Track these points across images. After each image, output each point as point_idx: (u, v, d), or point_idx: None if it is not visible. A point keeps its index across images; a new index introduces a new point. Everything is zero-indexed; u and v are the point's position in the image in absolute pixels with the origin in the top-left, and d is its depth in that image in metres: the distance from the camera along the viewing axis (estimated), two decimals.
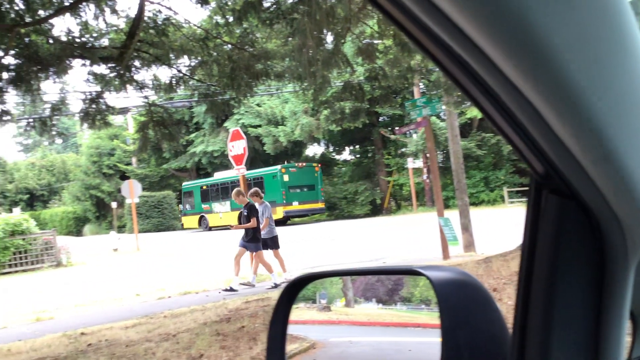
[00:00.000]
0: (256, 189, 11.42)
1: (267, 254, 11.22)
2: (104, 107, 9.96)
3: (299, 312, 1.25)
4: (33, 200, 60.61)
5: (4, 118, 9.45)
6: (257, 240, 10.89)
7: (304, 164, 31.83)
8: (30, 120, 10.15)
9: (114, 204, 44.57)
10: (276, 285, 10.73)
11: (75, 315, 10.04)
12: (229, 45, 9.59)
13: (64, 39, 8.93)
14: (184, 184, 38.59)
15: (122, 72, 9.23)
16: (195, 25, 9.95)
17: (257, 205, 11.03)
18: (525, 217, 0.70)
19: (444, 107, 12.85)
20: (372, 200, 34.62)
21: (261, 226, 10.97)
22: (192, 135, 39.60)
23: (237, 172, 12.68)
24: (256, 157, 37.51)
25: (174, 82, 10.07)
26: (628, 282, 0.68)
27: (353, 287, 1.33)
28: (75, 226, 50.97)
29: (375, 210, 34.72)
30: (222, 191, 32.11)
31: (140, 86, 10.07)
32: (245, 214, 10.90)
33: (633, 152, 0.56)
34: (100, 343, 6.82)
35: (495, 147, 31.48)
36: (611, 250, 0.66)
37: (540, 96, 0.52)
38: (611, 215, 0.63)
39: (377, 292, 1.29)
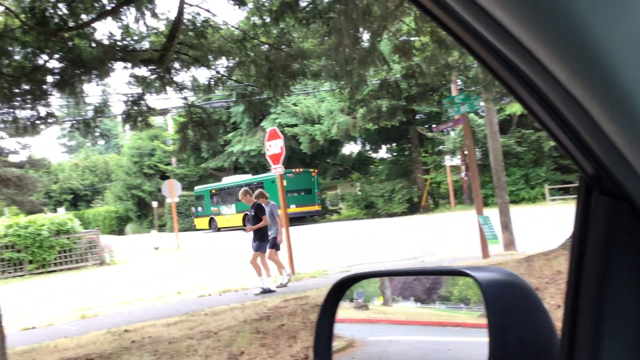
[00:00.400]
0: (261, 190, 11.50)
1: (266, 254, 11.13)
2: (145, 108, 10.15)
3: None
4: (77, 200, 62.17)
5: (49, 120, 9.72)
6: (260, 240, 10.83)
7: (301, 170, 33.56)
8: (75, 122, 10.41)
9: (154, 204, 45.38)
10: (266, 291, 10.49)
11: (119, 313, 10.27)
12: (266, 46, 9.66)
13: (106, 42, 9.13)
14: (195, 188, 40.26)
15: (162, 74, 9.39)
16: (233, 26, 10.05)
17: (264, 205, 11.00)
18: (574, 218, 0.69)
19: (482, 103, 12.69)
20: (409, 198, 34.39)
21: (279, 226, 11.06)
22: (230, 135, 39.98)
23: (274, 171, 12.75)
24: (293, 156, 37.65)
25: (212, 83, 10.19)
26: None
27: (391, 286, 1.33)
28: (118, 225, 52.09)
29: (413, 208, 34.48)
30: (229, 195, 34.00)
31: (180, 87, 10.23)
32: (252, 214, 10.90)
33: None
34: (144, 340, 6.96)
35: (536, 144, 30.89)
36: None
37: (593, 98, 0.52)
38: None
39: (415, 291, 1.29)
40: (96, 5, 8.66)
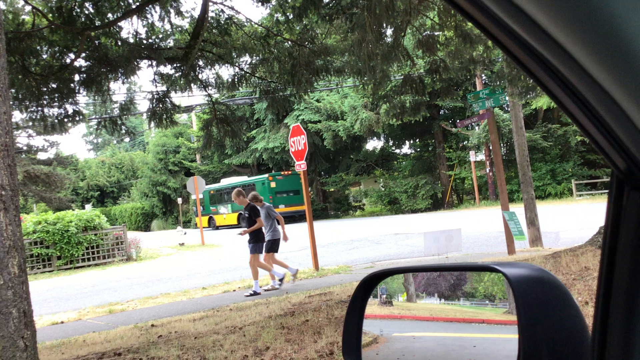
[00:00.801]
0: (254, 192, 11.30)
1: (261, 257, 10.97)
2: (169, 106, 10.26)
3: None
4: (103, 196, 63.08)
5: (77, 118, 9.88)
6: (256, 242, 10.67)
7: (290, 172, 35.11)
8: (101, 120, 10.56)
9: (179, 200, 45.92)
10: (255, 294, 10.34)
11: (146, 308, 10.40)
12: (289, 42, 9.68)
13: (131, 41, 9.24)
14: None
15: (186, 71, 9.47)
16: (256, 23, 10.09)
17: (258, 207, 10.87)
18: (605, 214, 0.68)
19: (507, 98, 12.55)
20: (433, 194, 34.20)
21: (282, 227, 10.92)
22: (254, 131, 40.16)
23: (299, 167, 12.79)
24: (316, 152, 37.70)
25: (236, 80, 10.26)
26: None
27: (415, 282, 1.34)
28: (143, 221, 52.71)
29: (437, 204, 34.29)
30: (226, 195, 35.81)
31: (204, 85, 10.31)
32: (247, 215, 10.74)
33: None
34: (170, 335, 7.04)
35: (563, 139, 30.48)
36: None
37: (626, 93, 0.52)
38: None
39: (439, 287, 1.29)
40: (122, 4, 8.77)
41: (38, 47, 8.81)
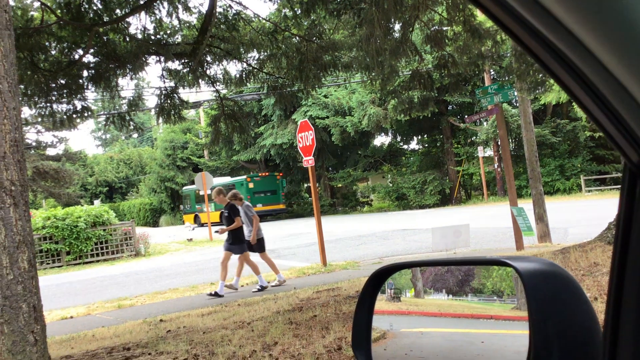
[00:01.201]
0: (234, 191, 11.07)
1: (253, 256, 10.89)
2: (177, 101, 10.28)
3: None
4: (112, 192, 63.34)
5: (85, 114, 9.93)
6: (240, 242, 10.51)
7: (267, 174, 37.73)
8: (109, 115, 10.60)
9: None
10: (263, 288, 10.38)
11: (154, 303, 10.45)
12: (297, 38, 9.67)
13: (139, 36, 9.26)
14: (183, 188, 44.26)
15: (194, 67, 9.48)
16: (264, 19, 10.09)
17: (238, 207, 10.67)
18: (618, 207, 0.67)
19: (516, 93, 12.49)
20: (441, 190, 34.14)
21: (253, 227, 10.65)
22: (261, 127, 40.17)
23: (307, 163, 12.78)
24: (324, 148, 37.68)
25: (244, 75, 10.26)
26: None
27: (422, 278, 1.33)
28: (152, 217, 52.88)
29: (445, 200, 34.23)
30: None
31: (212, 81, 10.32)
32: (226, 214, 10.55)
33: None
34: (179, 330, 7.08)
35: (571, 134, 30.32)
36: None
37: None
38: None
39: (447, 283, 1.29)
40: (130, 0, 8.79)
41: (47, 43, 8.85)
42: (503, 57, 12.29)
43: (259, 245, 10.85)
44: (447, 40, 9.84)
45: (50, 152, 34.08)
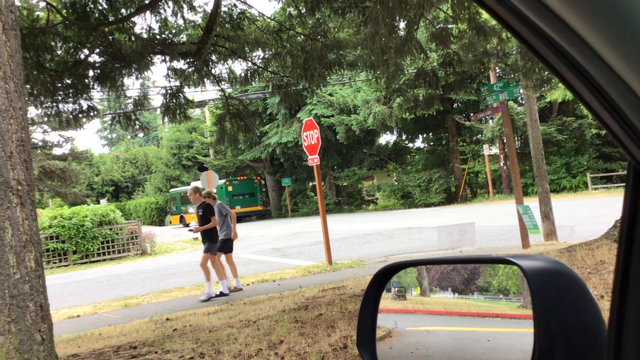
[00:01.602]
0: (209, 190, 10.97)
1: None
2: (183, 101, 10.29)
3: None
4: (118, 191, 63.51)
5: (91, 113, 9.96)
6: (212, 241, 10.32)
7: (245, 177, 40.20)
8: (115, 115, 10.62)
9: None
10: (222, 294, 10.06)
11: (160, 302, 10.48)
12: (302, 36, 9.67)
13: (145, 36, 9.28)
14: (170, 190, 46.74)
15: (199, 66, 9.50)
16: (268, 17, 10.09)
17: (212, 205, 10.51)
18: (622, 205, 0.66)
19: (522, 91, 12.45)
20: (447, 188, 34.08)
21: (232, 223, 10.50)
22: (267, 126, 40.18)
23: (312, 161, 12.78)
24: (329, 146, 37.65)
25: (249, 74, 10.26)
26: None
27: (428, 276, 1.33)
28: (158, 216, 52.99)
29: (450, 198, 34.16)
30: None
31: (217, 80, 10.33)
32: (201, 213, 10.38)
33: None
34: (185, 328, 7.09)
35: (578, 132, 30.20)
36: None
37: None
38: None
39: (452, 282, 1.29)
40: None
41: (52, 43, 8.88)
42: (509, 55, 12.24)
43: (227, 245, 10.66)
44: (452, 38, 9.82)
45: (57, 151, 34.21)
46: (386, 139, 43.03)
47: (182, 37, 9.91)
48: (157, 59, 9.53)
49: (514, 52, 11.54)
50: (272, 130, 39.69)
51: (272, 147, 39.49)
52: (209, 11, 9.13)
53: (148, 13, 9.00)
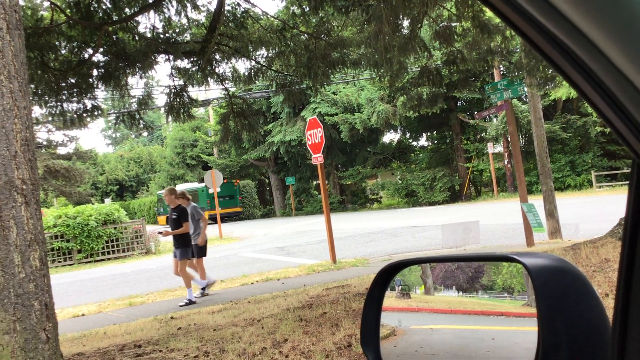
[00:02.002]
0: (183, 190, 10.62)
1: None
2: (187, 100, 10.30)
3: None
4: (122, 190, 63.64)
5: (95, 113, 9.98)
6: (185, 247, 10.06)
7: (226, 180, 41.68)
8: (119, 114, 10.64)
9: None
10: (190, 302, 9.72)
11: (165, 301, 10.50)
12: (306, 35, 9.66)
13: (148, 35, 9.29)
14: (158, 192, 48.13)
15: (203, 65, 9.50)
16: (272, 16, 10.09)
17: (184, 207, 10.25)
18: (627, 203, 0.66)
19: (526, 89, 12.42)
20: (451, 186, 34.05)
21: (202, 228, 10.26)
22: (270, 125, 40.21)
23: (315, 160, 12.78)
24: (333, 145, 37.64)
25: (252, 73, 10.26)
26: None
27: (432, 275, 1.33)
28: None
29: (454, 196, 34.13)
30: None
31: (221, 79, 10.34)
32: (174, 217, 10.03)
33: None
34: (190, 327, 7.11)
35: (582, 130, 30.12)
36: None
37: None
38: None
39: (457, 280, 1.28)
40: None
41: (57, 43, 8.89)
42: (512, 53, 12.22)
43: (199, 250, 10.46)
44: (456, 36, 9.80)
45: (61, 151, 34.29)
46: (390, 137, 43.11)
47: (186, 36, 9.92)
48: (161, 58, 9.54)
49: (518, 50, 11.51)
50: (275, 129, 39.72)
51: (276, 145, 39.51)
52: (213, 10, 9.13)
53: (152, 12, 9.01)
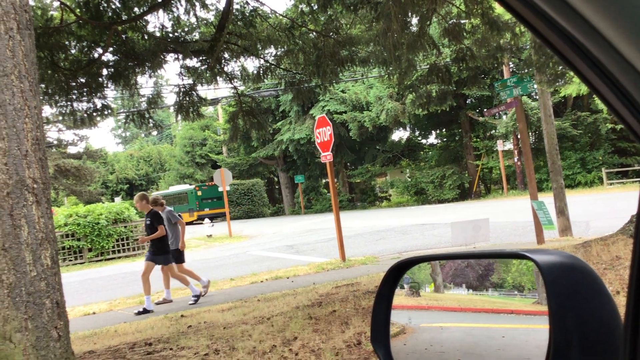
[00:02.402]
0: (156, 196, 10.37)
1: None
2: (196, 99, 10.33)
3: None
4: (132, 189, 63.91)
5: (105, 112, 10.02)
6: (165, 252, 9.80)
7: (213, 183, 42.03)
8: (129, 113, 10.68)
9: None
10: (198, 298, 9.74)
11: (175, 299, 10.53)
12: (314, 33, 9.65)
13: (157, 34, 9.32)
14: (153, 193, 47.84)
15: (212, 64, 9.52)
16: (281, 15, 10.08)
17: (160, 212, 10.01)
18: (638, 199, 0.66)
19: (536, 86, 12.35)
20: (460, 184, 33.95)
21: (181, 233, 10.10)
22: (279, 123, 40.26)
23: (325, 158, 12.77)
24: (342, 143, 37.63)
25: (261, 72, 10.27)
26: None
27: (442, 273, 1.33)
28: None
29: (464, 194, 34.03)
30: (174, 200, 44.41)
31: (230, 77, 10.35)
32: (148, 222, 9.78)
33: None
34: (200, 325, 7.13)
35: (593, 126, 29.92)
36: None
37: None
38: None
39: (467, 278, 1.28)
40: None
41: (66, 42, 8.94)
42: (522, 50, 12.15)
43: (178, 255, 10.28)
44: (465, 33, 9.76)
45: (72, 150, 34.53)
46: (399, 135, 43.06)
47: (195, 35, 9.94)
48: (170, 57, 9.57)
49: (527, 46, 11.45)
50: (284, 127, 39.76)
51: (285, 144, 39.56)
52: (222, 9, 9.14)
53: (161, 11, 9.04)
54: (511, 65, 27.35)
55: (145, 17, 9.15)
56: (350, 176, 41.79)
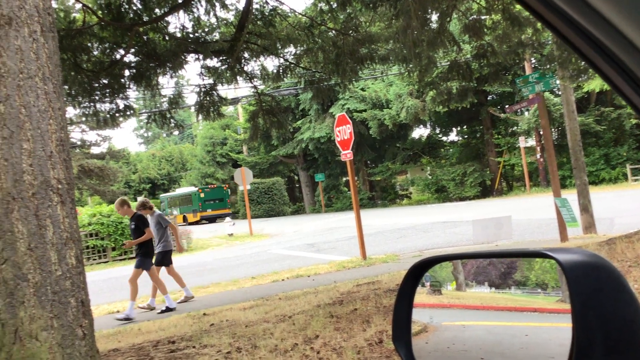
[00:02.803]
0: (143, 200, 10.23)
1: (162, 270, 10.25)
2: (216, 98, 10.39)
3: None
4: (155, 189, 64.52)
5: (128, 112, 10.13)
6: (149, 256, 9.72)
7: (216, 185, 46.42)
8: (151, 113, 10.78)
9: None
10: (169, 309, 9.49)
11: (197, 297, 10.61)
12: (334, 31, 9.65)
13: (178, 35, 9.39)
14: (161, 195, 51.63)
15: (232, 64, 9.57)
16: (300, 13, 10.09)
17: (148, 217, 9.95)
18: None
19: (558, 81, 12.21)
20: (482, 181, 33.68)
21: (175, 236, 10.05)
22: (299, 122, 40.30)
23: (345, 157, 12.76)
24: (362, 141, 37.56)
25: (281, 71, 10.30)
26: None
27: (464, 271, 1.32)
28: None
29: (485, 191, 33.75)
30: (180, 201, 46.59)
31: (250, 77, 10.40)
32: (133, 226, 9.71)
33: None
34: (222, 323, 7.17)
35: (617, 122, 29.48)
36: None
37: None
38: None
39: (489, 276, 1.27)
40: None
41: (89, 44, 9.04)
42: (544, 45, 12.01)
43: (166, 259, 10.23)
44: (485, 30, 9.68)
45: (95, 150, 34.92)
46: (419, 132, 42.84)
47: (215, 35, 9.99)
48: (191, 57, 9.63)
49: (549, 42, 11.32)
50: (304, 126, 39.79)
51: (305, 142, 39.60)
52: (241, 9, 9.18)
53: (181, 12, 9.10)
54: (533, 61, 27.06)
55: (166, 18, 9.22)
56: (370, 174, 41.69)
